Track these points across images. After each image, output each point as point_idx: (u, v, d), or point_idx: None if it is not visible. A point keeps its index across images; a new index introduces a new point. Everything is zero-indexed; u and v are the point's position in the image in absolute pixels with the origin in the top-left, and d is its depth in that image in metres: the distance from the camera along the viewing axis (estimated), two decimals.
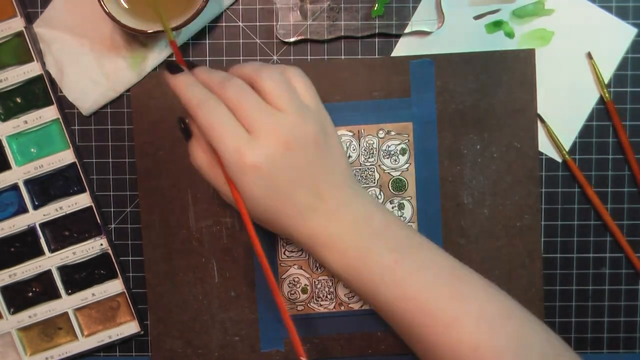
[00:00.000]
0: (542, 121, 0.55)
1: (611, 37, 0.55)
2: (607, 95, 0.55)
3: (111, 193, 0.55)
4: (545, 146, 0.55)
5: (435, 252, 0.45)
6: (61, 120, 0.54)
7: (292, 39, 0.54)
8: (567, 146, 0.55)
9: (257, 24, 0.55)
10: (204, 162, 0.44)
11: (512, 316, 0.42)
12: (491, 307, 0.42)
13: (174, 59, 0.53)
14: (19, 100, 0.54)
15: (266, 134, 0.41)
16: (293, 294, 0.55)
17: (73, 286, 0.55)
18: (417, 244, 0.45)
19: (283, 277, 0.55)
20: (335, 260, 0.44)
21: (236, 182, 0.42)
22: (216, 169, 0.43)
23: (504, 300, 0.43)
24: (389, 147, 0.54)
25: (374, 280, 0.43)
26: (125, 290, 0.55)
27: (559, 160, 0.55)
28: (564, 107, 0.55)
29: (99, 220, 0.54)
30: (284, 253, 0.55)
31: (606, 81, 0.55)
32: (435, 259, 0.44)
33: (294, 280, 0.55)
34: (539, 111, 0.55)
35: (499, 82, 0.54)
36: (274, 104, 0.42)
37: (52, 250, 0.54)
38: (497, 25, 0.55)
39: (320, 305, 0.55)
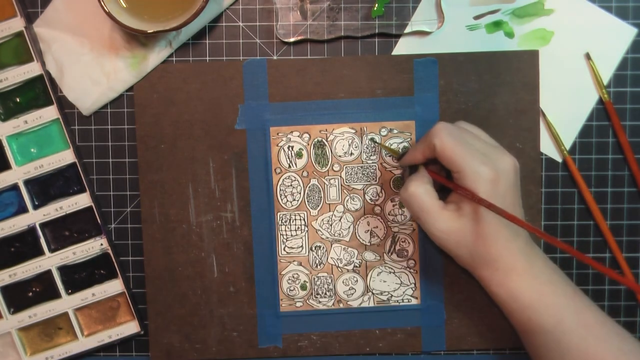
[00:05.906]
0: (544, 115, 0.54)
1: (611, 37, 0.55)
2: (605, 95, 0.55)
3: (111, 193, 0.55)
4: (545, 146, 0.55)
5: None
6: (61, 120, 0.54)
7: (292, 39, 0.54)
8: (567, 146, 0.55)
9: (257, 24, 0.55)
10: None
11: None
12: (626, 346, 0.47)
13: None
14: (19, 100, 0.54)
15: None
16: (292, 291, 0.55)
17: (73, 286, 0.55)
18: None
19: (282, 273, 0.55)
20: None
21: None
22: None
23: (633, 341, 0.48)
24: (391, 145, 0.54)
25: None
26: (125, 290, 0.55)
27: (559, 160, 0.55)
28: (564, 107, 0.55)
29: (99, 220, 0.54)
30: (284, 249, 0.55)
31: (606, 81, 0.55)
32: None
33: (293, 277, 0.55)
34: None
35: (502, 82, 0.54)
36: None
37: (52, 250, 0.54)
38: (497, 25, 0.55)
39: (320, 302, 0.55)
